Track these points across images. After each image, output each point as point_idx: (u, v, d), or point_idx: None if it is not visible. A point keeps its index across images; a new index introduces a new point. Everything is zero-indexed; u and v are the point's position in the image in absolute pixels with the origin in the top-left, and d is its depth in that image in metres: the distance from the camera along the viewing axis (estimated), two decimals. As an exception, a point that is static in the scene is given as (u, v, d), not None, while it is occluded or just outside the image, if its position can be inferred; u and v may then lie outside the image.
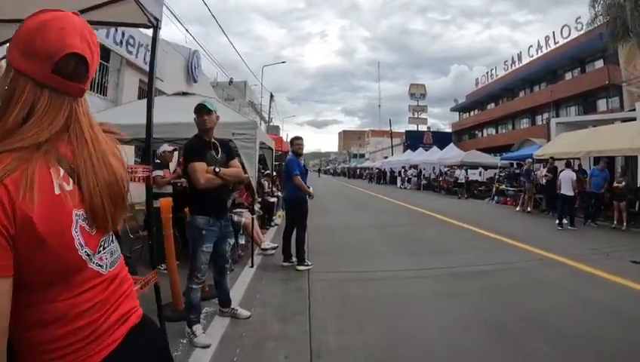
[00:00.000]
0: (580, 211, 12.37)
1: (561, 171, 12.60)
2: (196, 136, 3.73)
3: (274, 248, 7.03)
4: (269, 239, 7.90)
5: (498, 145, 35.88)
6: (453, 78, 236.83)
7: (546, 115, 32.59)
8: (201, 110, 3.60)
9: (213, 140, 3.71)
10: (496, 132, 43.40)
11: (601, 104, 28.03)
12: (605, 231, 10.69)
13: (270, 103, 40.93)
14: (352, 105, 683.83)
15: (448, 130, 57.31)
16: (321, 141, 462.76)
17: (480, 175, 25.17)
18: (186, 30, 14.03)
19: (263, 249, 7.02)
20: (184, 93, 7.32)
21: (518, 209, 15.54)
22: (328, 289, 5.22)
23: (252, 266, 6.18)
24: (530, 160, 15.89)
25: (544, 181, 14.56)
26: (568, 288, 5.40)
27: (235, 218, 6.78)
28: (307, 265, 6.16)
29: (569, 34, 31.26)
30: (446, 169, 28.78)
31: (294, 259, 6.27)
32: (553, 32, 33.31)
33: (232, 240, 4.04)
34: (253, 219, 6.47)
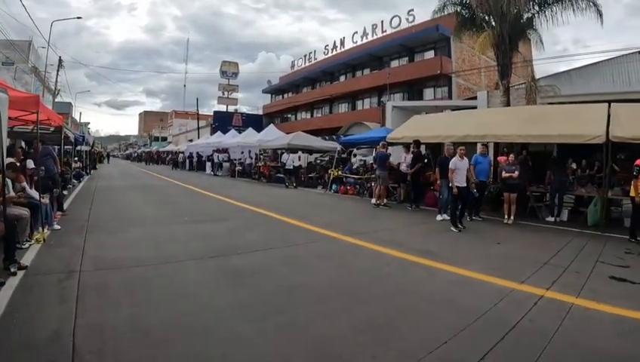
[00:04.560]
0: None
1: (443, 158, 10.03)
2: None
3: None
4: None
5: (315, 128, 34.13)
6: (259, 64, 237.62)
7: (367, 100, 32.21)
8: None
9: None
10: (312, 115, 41.97)
11: (428, 92, 28.76)
12: (509, 229, 9.00)
13: (58, 70, 31.48)
14: (154, 85, 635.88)
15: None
16: (120, 123, 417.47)
17: (299, 160, 22.30)
18: None
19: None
20: None
21: (374, 201, 12.33)
22: None
23: None
24: (384, 142, 12.94)
25: (407, 169, 12.20)
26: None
27: None
28: None
29: (399, 24, 31.81)
30: (261, 153, 25.19)
31: None
32: (382, 21, 33.74)
33: None
34: None
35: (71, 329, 3.37)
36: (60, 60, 31.89)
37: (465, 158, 9.06)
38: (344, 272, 5.37)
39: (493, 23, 15.30)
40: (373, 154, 15.34)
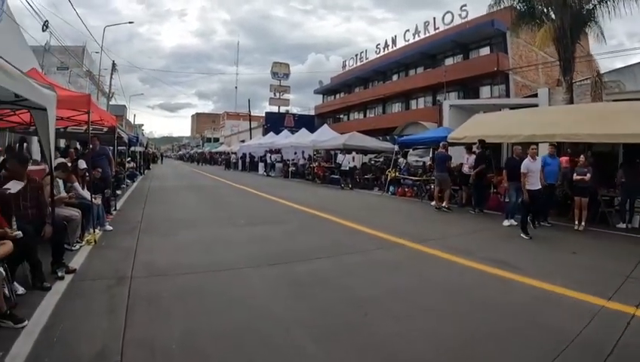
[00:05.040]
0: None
1: (512, 159, 9.89)
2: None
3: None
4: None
5: (368, 128, 33.55)
6: (309, 65, 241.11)
7: (421, 99, 31.75)
8: None
9: None
10: (364, 116, 41.66)
11: (484, 90, 27.91)
12: (582, 237, 8.41)
13: (112, 73, 33.01)
14: (206, 88, 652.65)
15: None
16: (173, 125, 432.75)
17: (353, 160, 22.39)
18: None
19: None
20: None
21: (433, 203, 12.28)
22: None
23: None
24: (445, 142, 12.72)
25: (469, 170, 11.79)
26: None
27: None
28: None
29: (452, 20, 31.19)
30: (314, 153, 25.39)
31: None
32: (434, 18, 33.16)
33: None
34: None
35: (119, 346, 3.10)
36: (114, 64, 33.07)
37: (537, 158, 8.66)
38: (415, 284, 5.06)
39: (553, 16, 14.65)
40: (430, 155, 15.10)
